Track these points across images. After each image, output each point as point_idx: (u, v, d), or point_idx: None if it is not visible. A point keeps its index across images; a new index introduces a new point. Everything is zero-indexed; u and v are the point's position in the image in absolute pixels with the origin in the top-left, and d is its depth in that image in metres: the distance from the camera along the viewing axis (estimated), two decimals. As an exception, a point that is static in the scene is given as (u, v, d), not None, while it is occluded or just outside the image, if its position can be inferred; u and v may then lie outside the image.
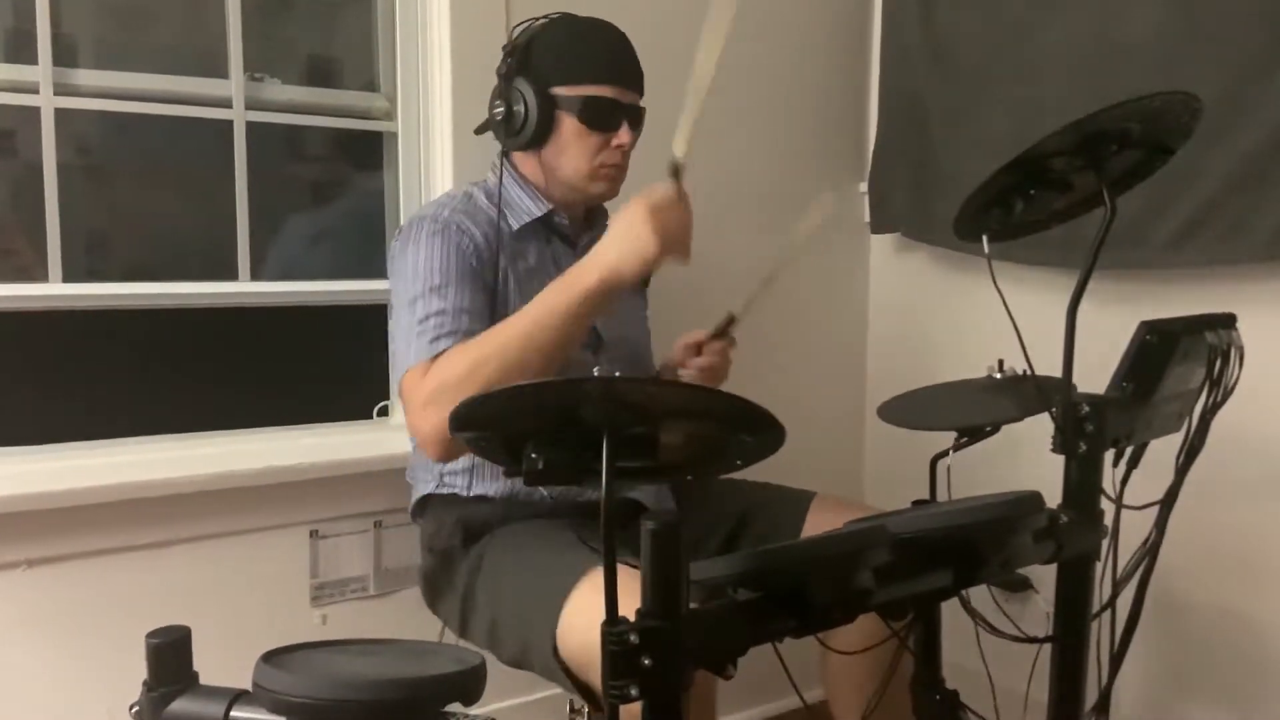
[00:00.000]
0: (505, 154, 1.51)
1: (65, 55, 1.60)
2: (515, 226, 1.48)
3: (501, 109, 1.45)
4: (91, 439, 1.62)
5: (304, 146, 1.89)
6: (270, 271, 1.80)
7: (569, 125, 1.43)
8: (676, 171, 1.31)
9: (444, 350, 1.32)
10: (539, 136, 1.44)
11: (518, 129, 1.44)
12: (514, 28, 1.48)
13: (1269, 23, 1.56)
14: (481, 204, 1.49)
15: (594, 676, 1.17)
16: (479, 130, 1.54)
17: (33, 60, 1.56)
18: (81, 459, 1.59)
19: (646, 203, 1.27)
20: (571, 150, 1.45)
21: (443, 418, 1.14)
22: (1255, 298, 1.62)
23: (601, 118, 1.43)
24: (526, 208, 1.49)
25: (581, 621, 1.19)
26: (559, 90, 1.42)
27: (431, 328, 1.34)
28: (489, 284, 1.42)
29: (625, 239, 1.26)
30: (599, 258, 1.28)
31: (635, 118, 1.47)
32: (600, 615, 0.76)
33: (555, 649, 1.21)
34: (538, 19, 1.47)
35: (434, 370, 1.31)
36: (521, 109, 1.43)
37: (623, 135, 1.45)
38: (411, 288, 1.38)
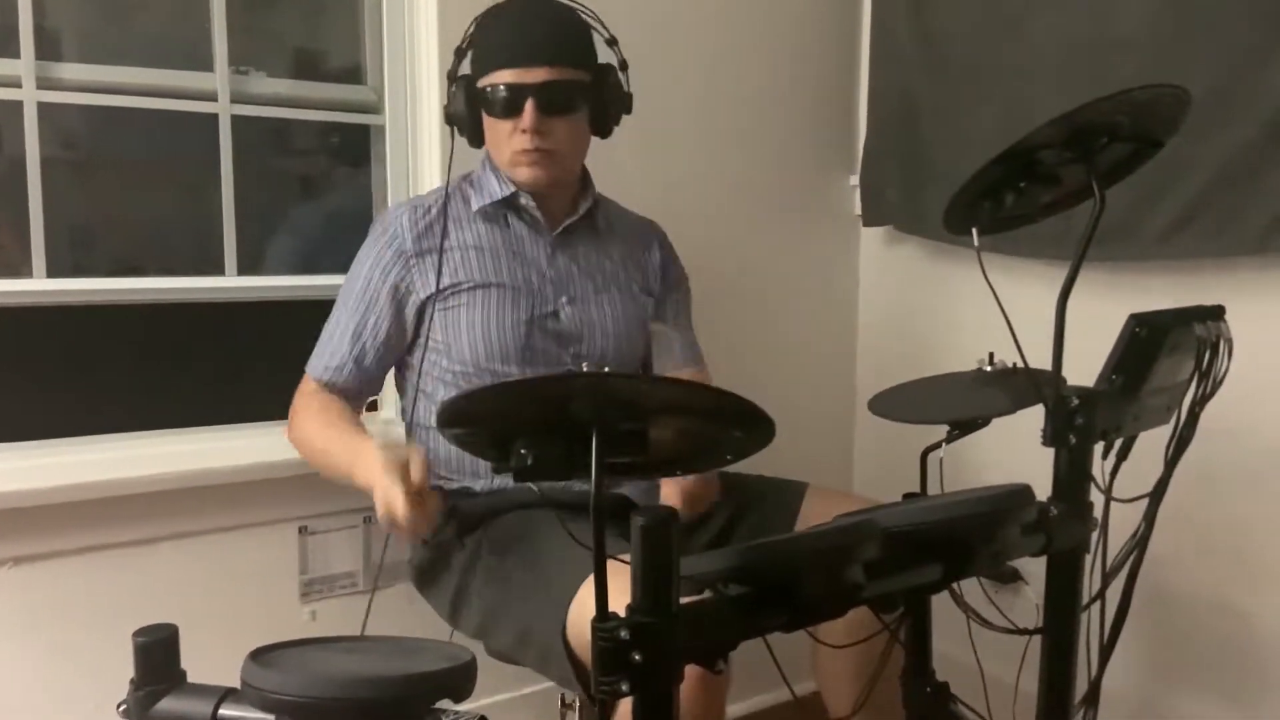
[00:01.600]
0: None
1: (48, 49, 1.58)
2: (475, 207, 1.50)
3: (442, 113, 1.50)
4: (77, 435, 1.61)
5: (291, 140, 1.87)
6: (257, 266, 1.78)
7: (485, 117, 1.45)
8: None
9: (326, 385, 1.49)
10: (476, 132, 1.47)
11: (459, 127, 1.48)
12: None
13: (1260, 17, 1.56)
14: (451, 190, 1.51)
15: None
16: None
17: (15, 54, 1.55)
18: (67, 455, 1.58)
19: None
20: (491, 140, 1.47)
21: (297, 438, 1.52)
22: (1246, 289, 1.62)
23: (502, 105, 1.41)
24: (490, 190, 1.50)
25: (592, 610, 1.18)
26: (480, 84, 1.43)
27: (330, 346, 1.50)
28: (403, 290, 1.47)
29: (376, 484, 1.26)
30: (369, 474, 1.29)
31: (547, 95, 1.38)
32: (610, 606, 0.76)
33: (565, 635, 1.21)
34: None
35: (306, 401, 1.51)
36: (454, 109, 1.46)
37: (524, 119, 1.39)
38: (343, 287, 1.53)
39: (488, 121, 1.44)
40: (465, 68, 1.47)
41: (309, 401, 1.51)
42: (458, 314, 1.46)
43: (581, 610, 1.20)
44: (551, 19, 1.42)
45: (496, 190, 1.49)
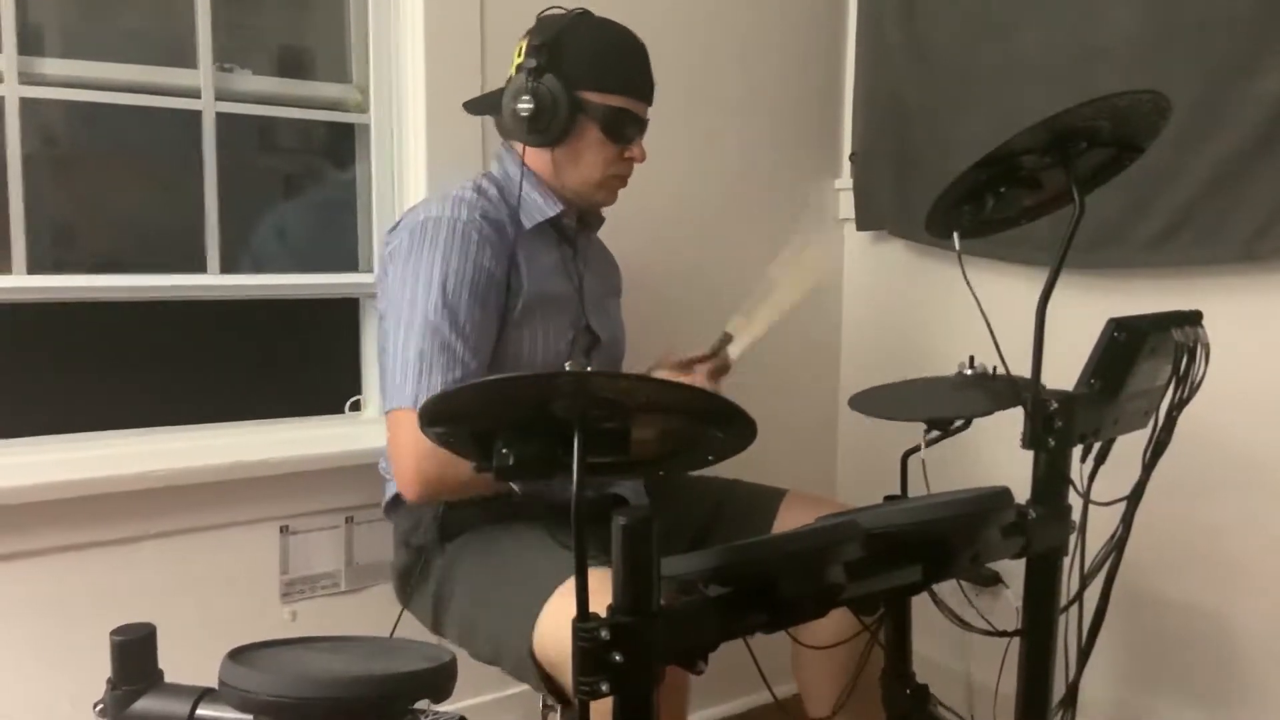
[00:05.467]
0: (510, 148, 1.50)
1: (31, 44, 1.57)
2: (528, 225, 1.46)
3: (529, 105, 1.39)
4: (58, 433, 1.59)
5: (276, 138, 1.87)
6: (241, 264, 1.78)
7: (590, 132, 1.43)
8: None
9: None
10: (558, 138, 1.43)
11: (543, 127, 1.41)
12: (541, 13, 1.45)
13: (1245, 26, 1.57)
14: (493, 198, 1.46)
15: (567, 677, 1.17)
16: (476, 110, 1.53)
17: (-3, 48, 1.54)
18: (48, 454, 1.57)
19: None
20: (587, 157, 1.45)
21: (438, 475, 1.28)
22: (1227, 295, 1.63)
23: (622, 130, 1.44)
24: (539, 206, 1.47)
25: (560, 622, 1.18)
26: (587, 95, 1.41)
27: (445, 365, 1.32)
28: (500, 300, 1.40)
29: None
30: None
31: (644, 132, 1.49)
32: None
33: (531, 650, 1.21)
34: (557, 9, 1.45)
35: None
36: (550, 107, 1.40)
37: (635, 150, 1.47)
38: (422, 303, 1.33)
39: (590, 137, 1.43)
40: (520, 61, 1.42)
41: None
42: (525, 324, 1.43)
43: (547, 627, 1.20)
44: (649, 57, 1.49)
45: (545, 208, 1.47)
